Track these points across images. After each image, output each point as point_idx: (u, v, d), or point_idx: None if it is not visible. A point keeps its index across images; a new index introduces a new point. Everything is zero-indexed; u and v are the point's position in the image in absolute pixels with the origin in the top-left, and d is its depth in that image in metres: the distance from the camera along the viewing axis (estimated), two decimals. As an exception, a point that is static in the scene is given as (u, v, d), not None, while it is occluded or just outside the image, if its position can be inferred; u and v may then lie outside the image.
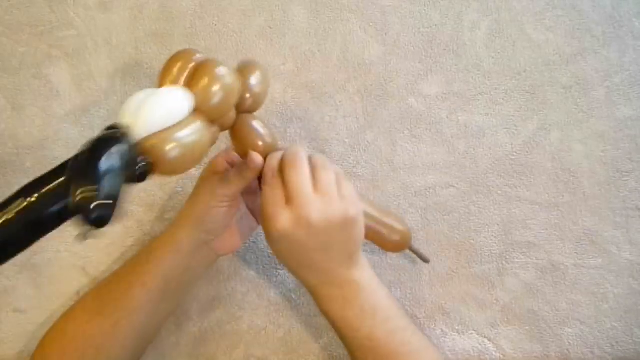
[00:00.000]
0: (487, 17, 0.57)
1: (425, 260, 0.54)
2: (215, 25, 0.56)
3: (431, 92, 0.56)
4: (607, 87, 0.56)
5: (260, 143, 0.45)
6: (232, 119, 0.42)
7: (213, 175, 0.47)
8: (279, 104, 0.56)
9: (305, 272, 0.45)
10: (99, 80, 0.56)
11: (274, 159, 0.45)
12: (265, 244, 0.52)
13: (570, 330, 0.55)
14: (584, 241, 0.56)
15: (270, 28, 0.57)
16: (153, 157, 0.34)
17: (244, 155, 0.45)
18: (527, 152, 0.56)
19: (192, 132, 0.36)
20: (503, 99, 0.56)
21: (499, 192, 0.56)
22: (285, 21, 0.57)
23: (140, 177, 0.33)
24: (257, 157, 0.44)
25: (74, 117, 0.56)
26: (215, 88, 0.38)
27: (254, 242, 0.56)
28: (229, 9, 0.57)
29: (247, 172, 0.44)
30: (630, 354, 0.55)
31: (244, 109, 0.43)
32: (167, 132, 0.35)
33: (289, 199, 0.42)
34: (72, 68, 0.56)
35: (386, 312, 0.46)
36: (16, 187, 0.31)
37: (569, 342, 0.55)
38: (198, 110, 0.37)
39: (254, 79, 0.43)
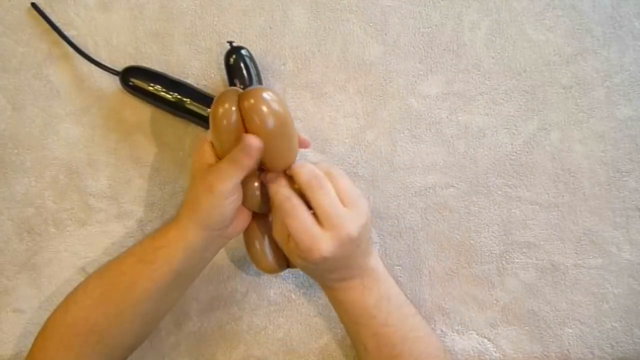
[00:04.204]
0: (487, 17, 0.57)
1: None
2: (215, 25, 0.56)
3: (431, 92, 0.56)
4: (607, 87, 0.56)
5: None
6: None
7: (205, 170, 0.44)
8: (279, 104, 0.56)
9: (331, 275, 0.45)
10: (99, 80, 0.56)
11: (282, 186, 0.43)
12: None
13: (570, 330, 0.55)
14: (584, 241, 0.56)
15: (270, 28, 0.57)
16: None
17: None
18: (527, 152, 0.56)
19: None
20: (503, 99, 0.56)
21: (499, 192, 0.56)
22: (285, 21, 0.57)
23: None
24: (254, 141, 0.41)
25: (74, 117, 0.56)
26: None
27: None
28: (229, 9, 0.56)
29: (244, 159, 0.41)
30: (630, 354, 0.55)
31: None
32: None
33: (323, 223, 0.41)
34: (72, 68, 0.56)
35: (399, 299, 0.47)
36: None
37: (569, 342, 0.55)
38: None
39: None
